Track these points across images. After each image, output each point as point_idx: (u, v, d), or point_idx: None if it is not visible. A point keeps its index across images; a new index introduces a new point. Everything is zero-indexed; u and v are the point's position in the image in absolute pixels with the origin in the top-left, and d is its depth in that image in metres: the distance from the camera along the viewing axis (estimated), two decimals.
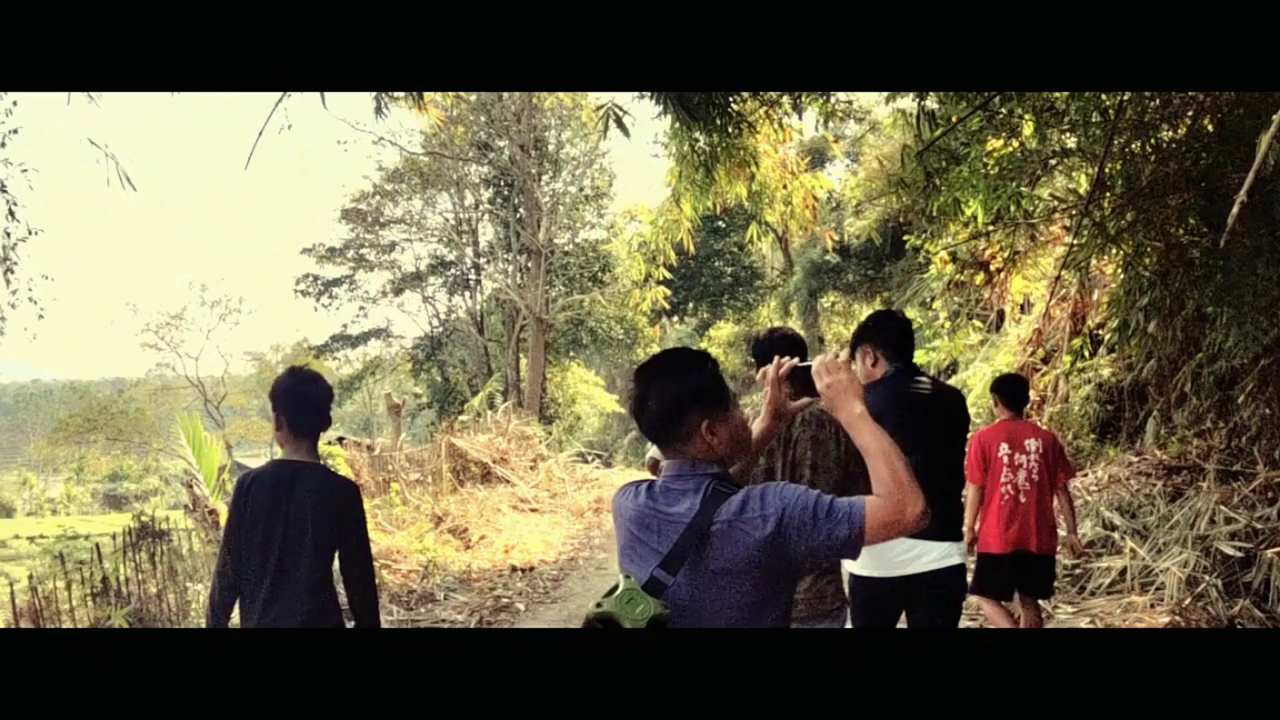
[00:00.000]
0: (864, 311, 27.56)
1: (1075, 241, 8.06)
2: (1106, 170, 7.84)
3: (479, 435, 16.14)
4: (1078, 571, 6.34)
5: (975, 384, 15.17)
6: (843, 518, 2.05)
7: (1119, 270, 9.55)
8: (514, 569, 9.96)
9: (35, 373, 70.55)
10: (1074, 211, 9.18)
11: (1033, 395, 13.70)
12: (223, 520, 7.11)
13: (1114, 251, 8.68)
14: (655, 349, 37.63)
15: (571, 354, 30.58)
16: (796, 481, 3.22)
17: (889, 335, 4.04)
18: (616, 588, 2.07)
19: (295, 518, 3.42)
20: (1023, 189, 8.63)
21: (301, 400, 3.53)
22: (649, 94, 6.58)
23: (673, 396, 2.24)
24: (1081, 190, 9.62)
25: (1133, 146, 7.79)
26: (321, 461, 3.71)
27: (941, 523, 3.64)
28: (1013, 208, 8.80)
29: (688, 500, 2.17)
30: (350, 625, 3.69)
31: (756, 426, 2.49)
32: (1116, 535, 6.45)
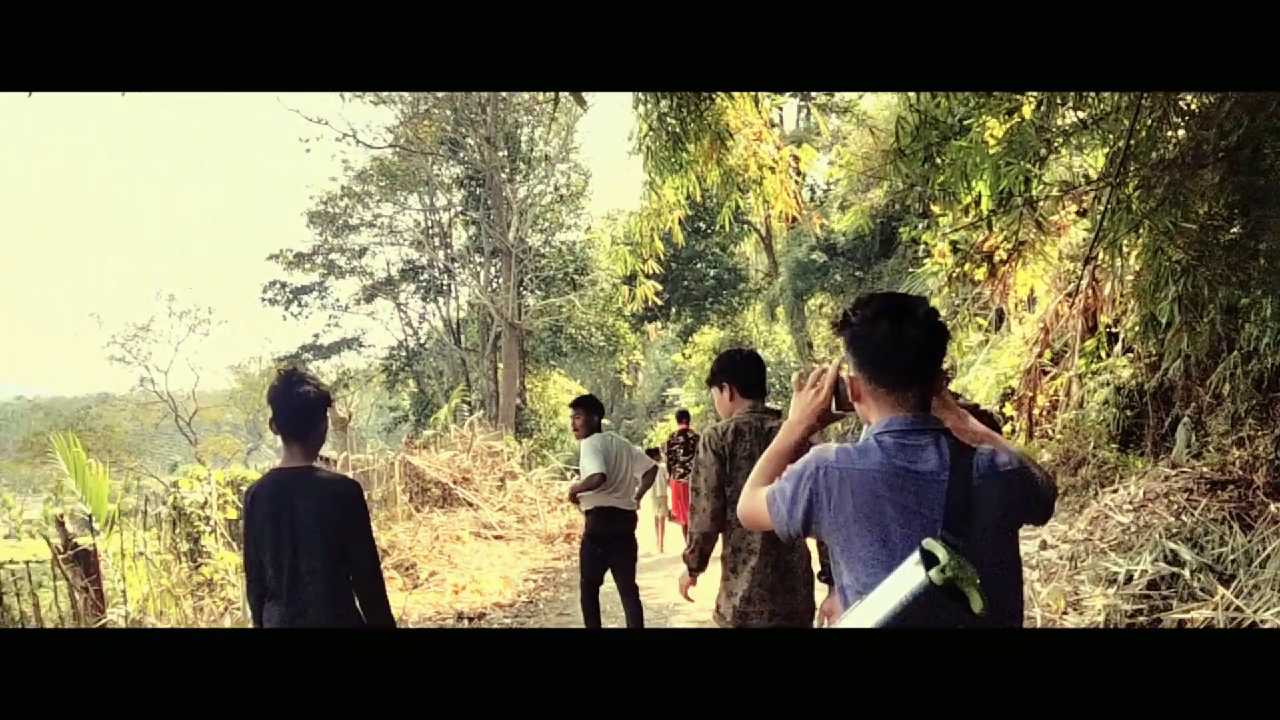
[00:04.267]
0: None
1: (1104, 222, 7.04)
2: (1133, 141, 6.87)
3: (441, 452, 14.95)
4: (1141, 620, 5.25)
5: (978, 389, 14.19)
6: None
7: (1141, 258, 8.56)
8: (459, 616, 8.58)
9: (18, 389, 69.47)
10: (1094, 190, 8.21)
11: (1042, 400, 12.74)
12: (102, 559, 6.22)
13: (1137, 237, 7.69)
14: (638, 356, 36.90)
15: (552, 362, 29.68)
16: None
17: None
18: (931, 557, 1.86)
19: (299, 527, 3.39)
20: (1030, 168, 7.75)
21: (287, 405, 3.50)
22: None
23: (937, 338, 2.17)
24: (1095, 170, 8.70)
25: (1159, 112, 6.83)
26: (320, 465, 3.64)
27: None
28: (1020, 189, 7.88)
29: (930, 455, 2.07)
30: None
31: (798, 432, 2.37)
32: (1187, 574, 5.35)
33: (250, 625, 3.64)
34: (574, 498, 7.23)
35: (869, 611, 1.91)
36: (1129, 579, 5.72)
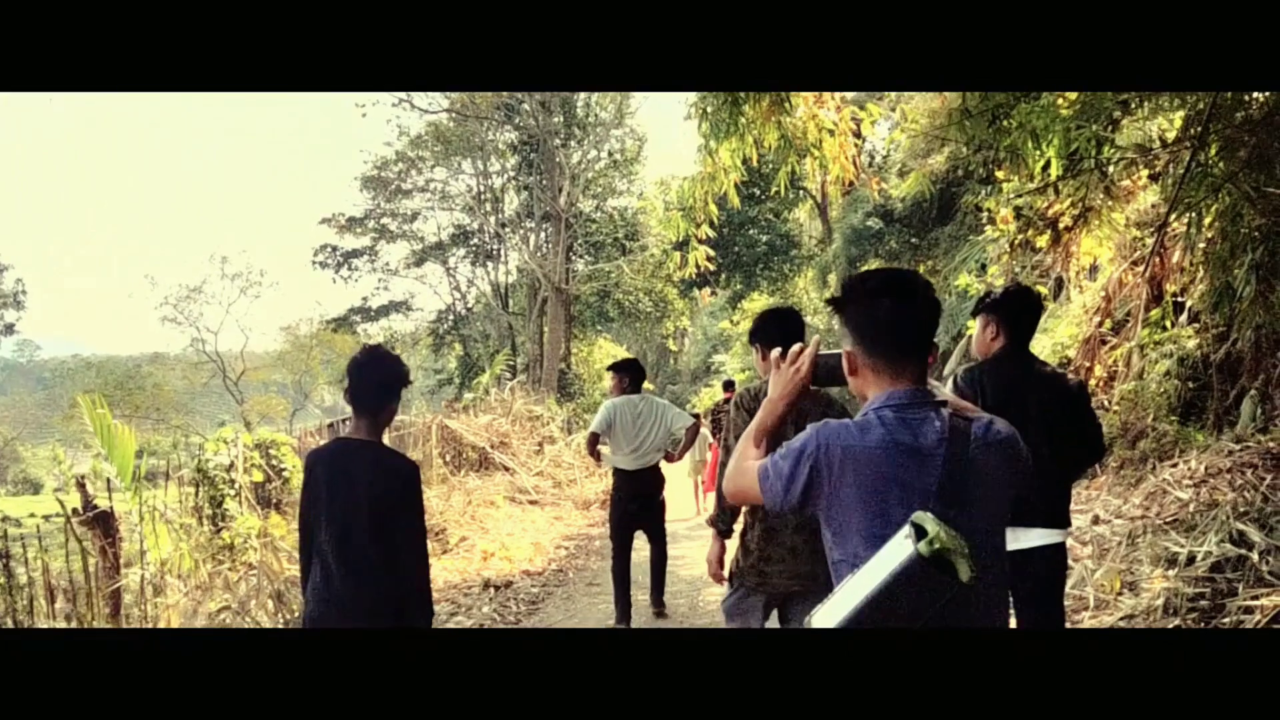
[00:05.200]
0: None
1: (1183, 185, 6.68)
2: (1217, 101, 6.50)
3: (482, 416, 14.78)
4: (1204, 604, 4.90)
5: None
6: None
7: (1217, 224, 8.14)
8: (486, 584, 8.42)
9: (74, 347, 70.91)
10: (1173, 152, 7.80)
11: (1100, 371, 12.33)
12: (122, 523, 6.12)
13: (1215, 201, 7.29)
14: (686, 321, 36.67)
15: (598, 327, 29.53)
16: None
17: (1018, 314, 4.02)
18: (920, 530, 1.88)
19: (352, 499, 3.44)
20: (1102, 131, 7.40)
21: (365, 379, 3.54)
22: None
23: (935, 312, 2.23)
24: (1170, 133, 8.29)
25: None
26: (384, 441, 3.66)
27: (1042, 507, 3.76)
28: (1091, 153, 7.54)
29: (930, 428, 2.09)
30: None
31: (779, 408, 2.36)
32: (1255, 556, 4.99)
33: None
34: (592, 454, 7.61)
35: (860, 585, 1.92)
36: (1191, 560, 5.38)
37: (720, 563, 4.21)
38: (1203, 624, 4.74)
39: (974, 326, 4.15)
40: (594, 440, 7.28)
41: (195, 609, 6.13)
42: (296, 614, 6.45)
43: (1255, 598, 4.61)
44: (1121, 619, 5.09)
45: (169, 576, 6.41)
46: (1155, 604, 5.01)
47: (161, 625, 6.00)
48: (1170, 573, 5.33)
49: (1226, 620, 4.62)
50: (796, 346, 2.35)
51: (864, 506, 2.06)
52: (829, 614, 1.96)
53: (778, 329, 4.00)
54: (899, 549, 1.88)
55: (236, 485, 7.66)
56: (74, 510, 5.96)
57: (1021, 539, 3.72)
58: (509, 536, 10.30)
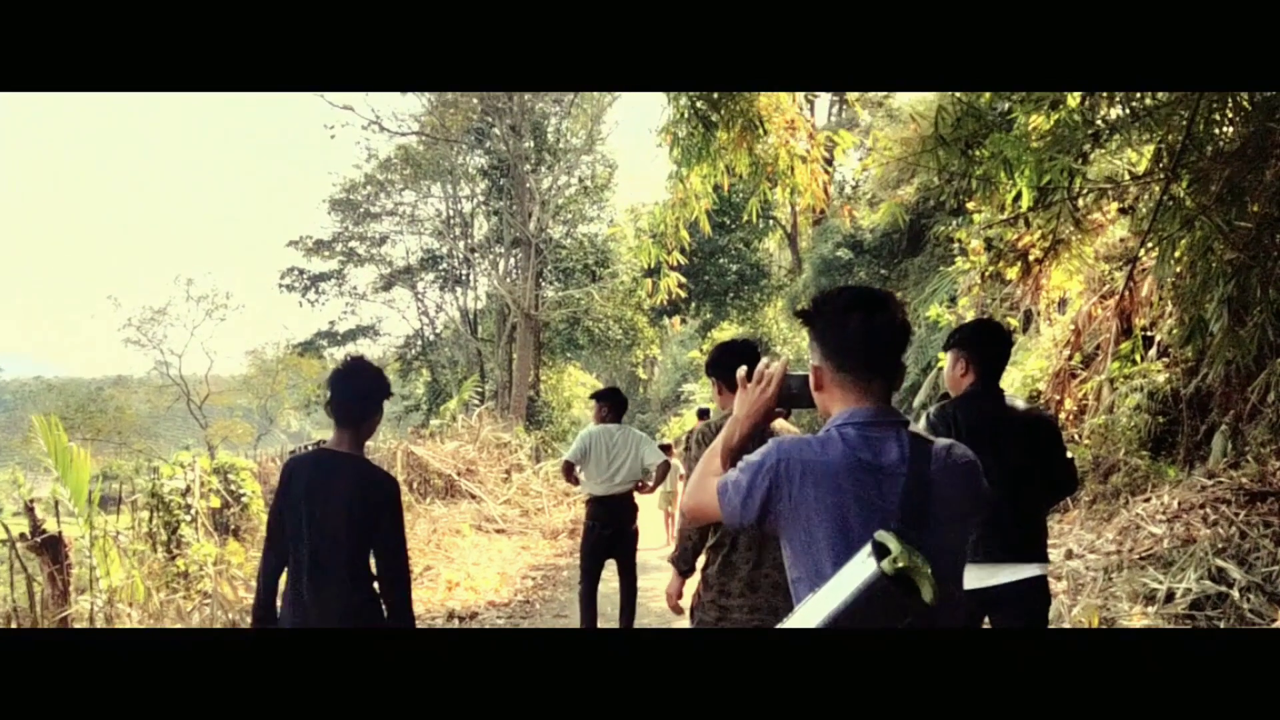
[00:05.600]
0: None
1: (1156, 218, 6.67)
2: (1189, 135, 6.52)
3: (448, 443, 14.59)
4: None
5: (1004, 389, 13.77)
6: None
7: (1186, 258, 8.15)
8: (450, 615, 8.13)
9: (37, 369, 69.83)
10: (1144, 185, 7.81)
11: (1070, 404, 12.33)
12: (71, 548, 5.92)
13: (1188, 234, 7.30)
14: (655, 350, 36.60)
15: (568, 355, 29.40)
16: None
17: (988, 350, 4.02)
18: (883, 549, 1.87)
19: (329, 511, 3.41)
20: (1073, 163, 7.41)
21: (347, 391, 3.53)
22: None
23: (905, 332, 2.22)
24: (1140, 166, 8.31)
25: (1219, 102, 6.47)
26: (364, 455, 3.65)
27: (1020, 543, 3.79)
28: (1064, 184, 7.54)
29: (892, 447, 2.08)
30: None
31: (745, 427, 2.34)
32: (1236, 594, 4.90)
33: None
34: (569, 480, 7.56)
35: (822, 603, 1.92)
36: (1170, 596, 5.30)
37: (679, 595, 4.17)
38: None
39: (944, 360, 4.16)
40: (569, 468, 7.31)
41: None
42: None
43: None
44: None
45: (120, 605, 6.19)
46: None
47: None
48: (1149, 609, 5.25)
49: None
50: (763, 365, 2.33)
51: (824, 523, 2.05)
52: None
53: (734, 362, 3.83)
54: (861, 568, 1.88)
55: (193, 511, 7.43)
56: (20, 535, 5.75)
57: (1000, 575, 3.75)
58: (475, 566, 10.06)
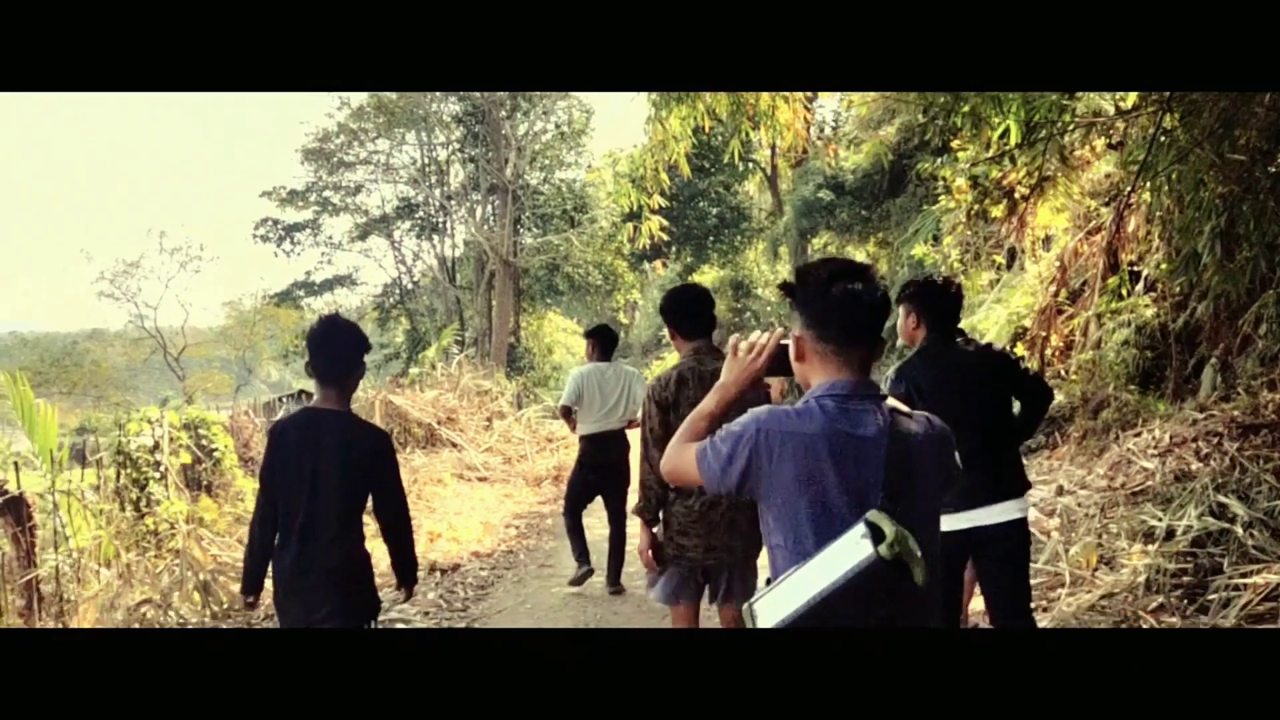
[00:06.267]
0: (858, 253, 26.23)
1: (1150, 152, 6.55)
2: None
3: (428, 391, 14.41)
4: (1187, 580, 4.75)
5: (988, 329, 13.72)
6: None
7: (1173, 192, 8.04)
8: (432, 568, 7.89)
9: (12, 325, 69.04)
10: (1132, 119, 7.69)
11: (1056, 340, 12.29)
12: (35, 511, 5.78)
13: (1179, 170, 7.19)
14: (636, 295, 36.41)
15: (548, 301, 29.19)
16: None
17: (936, 303, 4.12)
18: (878, 531, 1.88)
19: (321, 467, 3.43)
20: (1062, 98, 7.28)
21: (322, 347, 3.54)
22: None
23: (886, 302, 2.23)
24: (1131, 100, 8.17)
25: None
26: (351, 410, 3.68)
27: (996, 482, 3.85)
28: (1055, 118, 7.41)
29: (871, 420, 2.11)
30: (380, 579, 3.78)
31: (730, 393, 2.36)
32: (1239, 530, 4.84)
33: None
34: (570, 425, 7.60)
35: (811, 579, 1.92)
36: (1170, 534, 5.24)
37: (651, 550, 4.14)
38: (1187, 601, 4.60)
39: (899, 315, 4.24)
40: (566, 412, 7.39)
41: (114, 601, 5.76)
42: (225, 605, 6.12)
43: (1244, 575, 4.46)
44: (1102, 597, 4.93)
45: (89, 565, 6.03)
46: (1137, 580, 4.86)
47: (77, 618, 5.64)
48: (1149, 547, 5.20)
49: (1213, 597, 4.48)
50: (757, 334, 2.37)
51: (803, 493, 2.08)
52: (772, 606, 1.97)
53: (686, 308, 4.12)
54: (854, 549, 1.89)
55: (162, 468, 7.24)
56: None
57: (982, 517, 3.82)
58: (457, 516, 9.93)
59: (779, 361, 2.32)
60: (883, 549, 1.85)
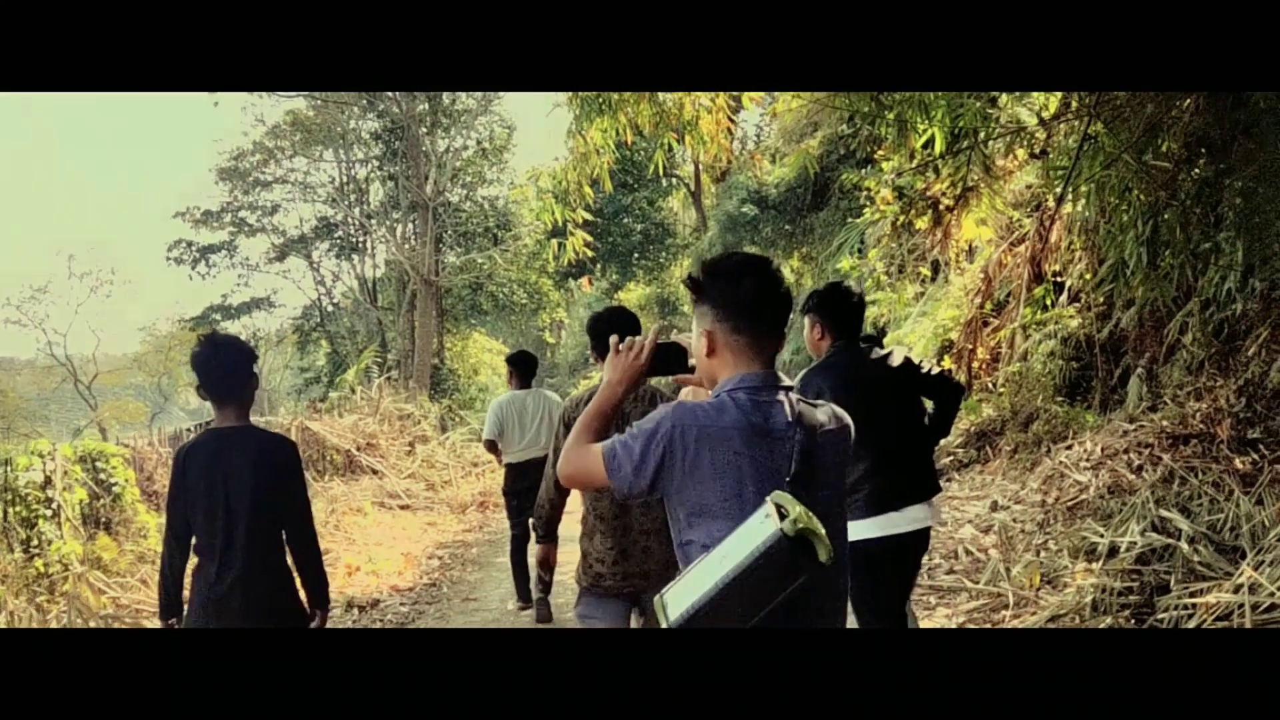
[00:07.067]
0: (783, 268, 26.27)
1: (1078, 159, 6.48)
2: None
3: (347, 416, 13.95)
4: (1134, 599, 4.57)
5: (914, 341, 13.69)
6: None
7: (1096, 201, 8.01)
8: (349, 605, 7.40)
9: None
10: (1054, 128, 7.65)
11: (983, 353, 12.28)
12: None
13: (1108, 178, 7.15)
14: (562, 313, 36.14)
15: (472, 321, 28.76)
16: None
17: (838, 310, 4.17)
18: (782, 510, 1.90)
19: (234, 485, 3.41)
20: (986, 106, 7.23)
21: (214, 369, 3.50)
22: None
23: (789, 296, 2.32)
24: (1049, 110, 8.16)
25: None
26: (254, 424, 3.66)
27: (911, 485, 3.97)
28: (980, 126, 7.34)
29: (780, 412, 2.15)
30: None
31: (618, 392, 2.36)
32: (1186, 546, 4.67)
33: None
34: (497, 457, 7.56)
35: (718, 563, 1.93)
36: (1113, 551, 5.09)
37: (544, 560, 4.21)
38: (1135, 622, 4.43)
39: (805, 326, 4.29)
40: (490, 445, 7.38)
41: None
42: None
43: (1192, 594, 4.29)
44: (1049, 620, 4.74)
45: None
46: (1083, 601, 4.68)
47: None
48: (1094, 565, 5.03)
49: (1163, 616, 4.31)
50: (633, 337, 2.40)
51: (719, 487, 2.09)
52: (681, 594, 1.96)
53: (606, 330, 3.95)
54: (760, 529, 1.91)
55: (54, 505, 6.75)
56: None
57: (900, 521, 3.91)
58: (377, 547, 9.47)
59: (660, 360, 2.36)
60: (786, 525, 1.85)
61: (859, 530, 3.80)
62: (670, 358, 2.37)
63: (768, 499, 1.95)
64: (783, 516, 1.88)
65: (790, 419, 2.14)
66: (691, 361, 2.35)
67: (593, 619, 3.84)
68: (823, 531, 1.88)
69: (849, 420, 2.29)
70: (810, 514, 1.88)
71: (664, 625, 1.97)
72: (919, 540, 4.03)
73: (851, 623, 3.78)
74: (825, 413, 2.22)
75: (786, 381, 2.24)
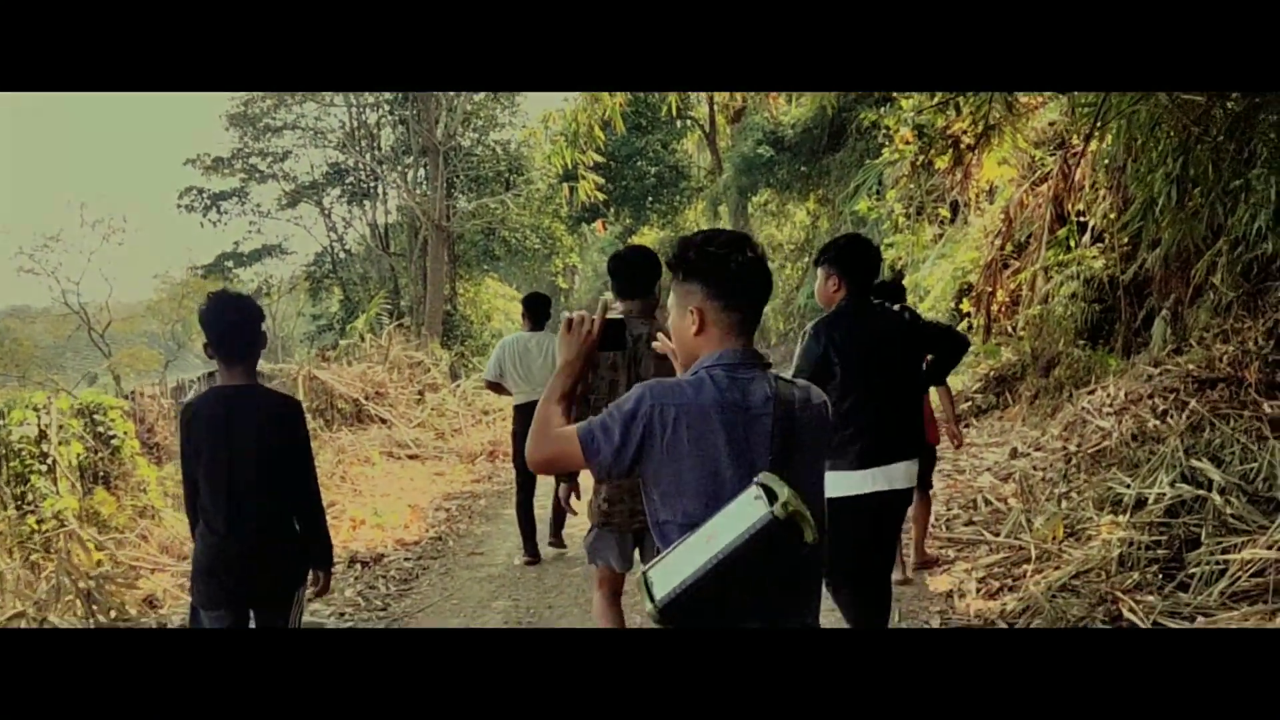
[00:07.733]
0: (798, 210, 25.91)
1: (1105, 95, 6.21)
2: None
3: (356, 364, 13.77)
4: (1162, 553, 4.38)
5: (932, 284, 13.43)
6: None
7: (1123, 137, 7.72)
8: (352, 560, 7.23)
9: None
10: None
11: (1003, 295, 12.02)
12: None
13: (1140, 113, 6.88)
14: (575, 258, 35.88)
15: (484, 266, 28.52)
16: None
17: (856, 265, 4.14)
18: (771, 492, 1.92)
19: (239, 444, 3.42)
20: None
21: (219, 325, 3.48)
22: None
23: (771, 276, 2.36)
24: None
25: None
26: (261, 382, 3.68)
27: (901, 441, 3.98)
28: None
29: (758, 389, 2.15)
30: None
31: (576, 369, 2.35)
32: (1218, 498, 4.47)
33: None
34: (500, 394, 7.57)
35: (705, 544, 1.93)
36: (1140, 503, 4.89)
37: (567, 501, 4.38)
38: (1164, 578, 4.24)
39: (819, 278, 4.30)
40: (492, 386, 7.38)
41: None
42: (114, 616, 5.56)
43: (1224, 550, 4.10)
44: (1074, 575, 4.56)
45: None
46: (1109, 556, 4.49)
47: None
48: (1120, 518, 4.84)
49: (1194, 572, 4.12)
50: (580, 313, 2.40)
51: (696, 465, 2.10)
52: (667, 573, 1.95)
53: (631, 273, 4.20)
54: (748, 510, 1.92)
55: (49, 459, 6.59)
56: None
57: (892, 475, 3.94)
58: (384, 499, 9.31)
59: (610, 336, 2.37)
60: (777, 509, 1.87)
61: (847, 484, 3.94)
62: (616, 333, 2.40)
63: (755, 480, 1.97)
64: (771, 499, 1.90)
65: (768, 395, 2.13)
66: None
67: (600, 551, 4.01)
68: (808, 512, 1.89)
69: (824, 396, 2.29)
70: (797, 495, 1.89)
71: (649, 603, 1.95)
72: (900, 500, 4.07)
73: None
74: (801, 388, 2.22)
75: (766, 359, 2.26)
